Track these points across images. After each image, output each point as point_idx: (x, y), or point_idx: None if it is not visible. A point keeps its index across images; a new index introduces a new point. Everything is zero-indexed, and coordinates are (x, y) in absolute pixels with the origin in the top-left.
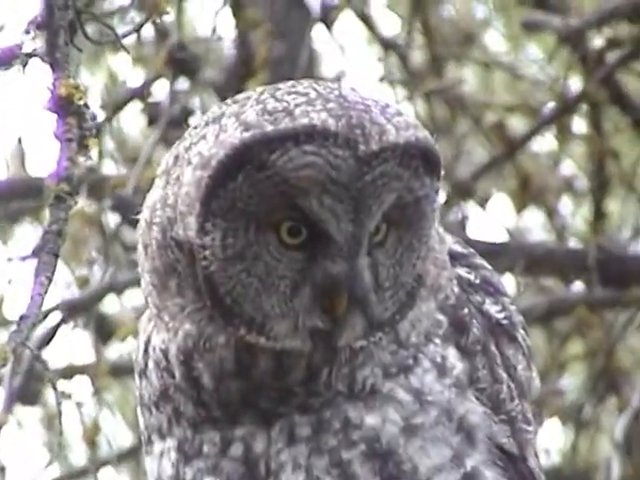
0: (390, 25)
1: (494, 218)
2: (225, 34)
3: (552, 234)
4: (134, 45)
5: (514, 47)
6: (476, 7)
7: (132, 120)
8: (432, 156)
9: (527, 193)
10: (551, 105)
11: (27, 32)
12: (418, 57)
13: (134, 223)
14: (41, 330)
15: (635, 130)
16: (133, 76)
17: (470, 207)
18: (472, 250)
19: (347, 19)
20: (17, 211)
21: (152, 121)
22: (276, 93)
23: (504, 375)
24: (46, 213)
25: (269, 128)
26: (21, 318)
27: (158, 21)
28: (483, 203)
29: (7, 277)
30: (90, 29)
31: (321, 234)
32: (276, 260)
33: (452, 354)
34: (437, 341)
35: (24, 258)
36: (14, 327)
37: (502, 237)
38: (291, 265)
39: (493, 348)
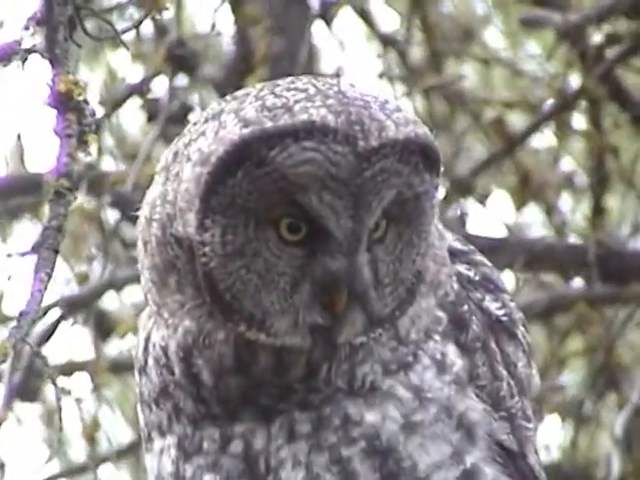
0: (389, 21)
1: (494, 214)
2: (224, 30)
3: (552, 230)
4: (133, 41)
5: (513, 43)
6: (475, 3)
7: (131, 116)
8: (432, 152)
9: (527, 189)
10: (550, 101)
11: (26, 28)
12: (417, 53)
13: (133, 219)
14: (41, 326)
15: (634, 126)
16: (132, 72)
17: (470, 203)
18: (472, 247)
19: (346, 15)
20: (16, 207)
21: (151, 117)
22: (275, 89)
23: (504, 372)
24: (45, 209)
25: (268, 124)
26: (21, 314)
27: (157, 17)
28: (483, 199)
29: (6, 273)
30: (89, 25)
31: (321, 230)
32: (276, 256)
33: (452, 351)
34: (437, 338)
35: (24, 254)
36: (14, 323)
37: (502, 233)
38: (291, 261)
39: (493, 345)
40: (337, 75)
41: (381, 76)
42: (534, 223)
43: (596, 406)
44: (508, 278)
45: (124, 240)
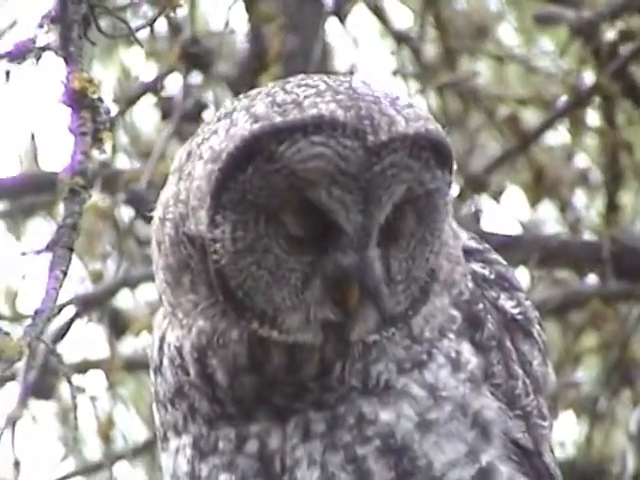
0: (403, 18)
1: (508, 211)
2: (238, 28)
3: (566, 227)
4: (147, 39)
5: (527, 40)
6: (489, 0)
7: (146, 114)
8: (443, 148)
9: (541, 186)
10: (564, 98)
11: (41, 26)
12: (431, 50)
13: (148, 218)
14: (55, 324)
15: None
16: (146, 70)
17: (484, 200)
18: (487, 245)
19: (360, 12)
20: (30, 205)
21: (166, 115)
22: (286, 86)
23: (519, 371)
24: (60, 207)
25: (278, 119)
26: (36, 312)
27: (171, 15)
28: (497, 196)
29: (21, 272)
30: (103, 23)
31: (331, 226)
32: (286, 253)
33: (466, 349)
34: (451, 336)
35: (38, 252)
36: (29, 321)
37: (516, 230)
38: (301, 258)
39: (508, 344)
40: (351, 72)
41: (395, 73)
42: (548, 220)
43: (611, 402)
44: (522, 275)
45: (138, 238)
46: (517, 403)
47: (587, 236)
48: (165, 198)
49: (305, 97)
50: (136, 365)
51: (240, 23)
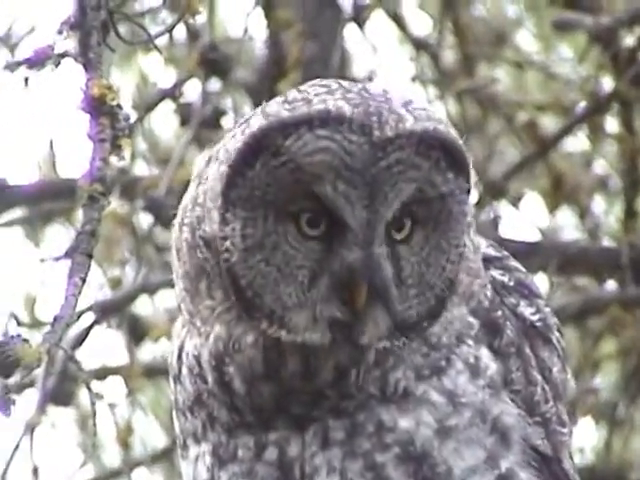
0: (422, 25)
1: (527, 217)
2: (257, 34)
3: (585, 233)
4: (166, 45)
5: (545, 46)
6: (507, 6)
7: (164, 121)
8: (455, 150)
9: (560, 192)
10: (583, 104)
11: (60, 32)
12: (450, 57)
13: (166, 224)
14: (74, 331)
15: None
16: (165, 76)
17: (503, 207)
18: (506, 253)
19: (379, 19)
20: (49, 212)
21: (184, 122)
22: (300, 87)
23: (538, 377)
24: (79, 214)
25: (285, 114)
26: (55, 319)
27: (190, 21)
28: (516, 202)
29: (40, 278)
30: (122, 29)
31: (339, 223)
32: (295, 250)
33: (485, 355)
34: (470, 342)
35: (57, 259)
36: (48, 328)
37: (535, 236)
38: (309, 255)
39: (527, 350)
40: (369, 79)
41: (414, 79)
42: (567, 226)
43: (629, 408)
44: (541, 281)
45: (157, 244)
46: (536, 410)
47: (606, 242)
48: (184, 203)
49: (315, 95)
50: (155, 371)
51: (259, 29)
